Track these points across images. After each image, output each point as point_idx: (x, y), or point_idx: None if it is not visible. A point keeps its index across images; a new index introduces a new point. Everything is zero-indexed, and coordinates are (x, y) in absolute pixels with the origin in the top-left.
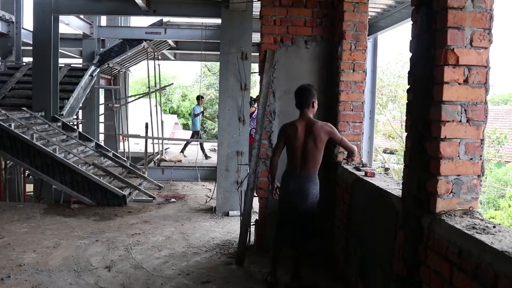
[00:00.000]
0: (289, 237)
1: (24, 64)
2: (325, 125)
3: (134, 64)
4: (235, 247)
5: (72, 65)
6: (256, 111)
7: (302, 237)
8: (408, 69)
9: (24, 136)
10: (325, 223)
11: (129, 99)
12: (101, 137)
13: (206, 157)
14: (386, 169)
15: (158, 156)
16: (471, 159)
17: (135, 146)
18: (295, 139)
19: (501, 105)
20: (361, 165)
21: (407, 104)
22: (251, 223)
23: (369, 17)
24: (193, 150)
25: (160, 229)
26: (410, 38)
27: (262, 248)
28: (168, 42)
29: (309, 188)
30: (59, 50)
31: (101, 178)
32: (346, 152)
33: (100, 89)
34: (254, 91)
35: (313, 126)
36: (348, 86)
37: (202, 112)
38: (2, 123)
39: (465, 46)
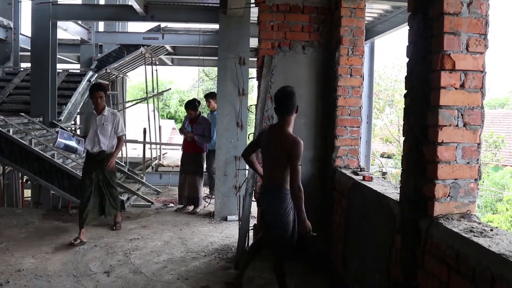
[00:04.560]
0: None
1: (22, 69)
2: (291, 142)
3: (132, 70)
4: (234, 251)
5: (70, 71)
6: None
7: None
8: (405, 73)
9: (22, 141)
10: (323, 228)
11: (127, 104)
12: None
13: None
14: (384, 173)
15: (156, 161)
16: (468, 163)
17: (133, 151)
18: (262, 147)
19: (498, 109)
20: (359, 170)
21: (404, 109)
22: (250, 228)
23: (366, 22)
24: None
25: (159, 234)
26: (407, 44)
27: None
28: (165, 48)
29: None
30: (57, 56)
31: None
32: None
33: None
34: (252, 96)
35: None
36: (346, 91)
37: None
38: (0, 128)
39: (461, 51)
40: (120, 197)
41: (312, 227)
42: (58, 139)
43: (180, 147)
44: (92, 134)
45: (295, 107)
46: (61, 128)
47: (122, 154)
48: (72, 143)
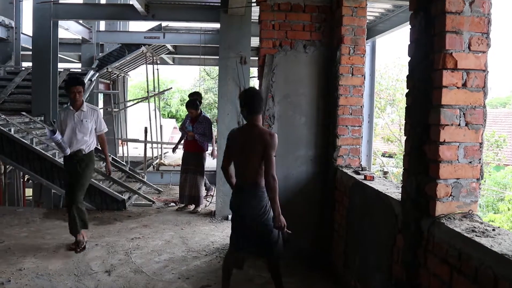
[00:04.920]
0: None
1: (23, 69)
2: (267, 135)
3: (133, 69)
4: None
5: (71, 70)
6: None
7: None
8: (407, 72)
9: (24, 140)
10: (324, 227)
11: (128, 104)
12: None
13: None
14: (385, 173)
15: (157, 161)
16: (470, 162)
17: (134, 150)
18: (236, 148)
19: (499, 108)
20: (360, 169)
21: (406, 108)
22: None
23: (367, 21)
24: None
25: (160, 233)
26: (409, 42)
27: None
28: (166, 47)
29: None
30: (58, 55)
31: (101, 182)
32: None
33: (99, 94)
34: None
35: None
36: (347, 90)
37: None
38: (1, 127)
39: (464, 50)
40: (121, 196)
41: (286, 222)
42: (56, 134)
43: (174, 145)
44: (69, 133)
45: (263, 107)
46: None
47: (123, 153)
48: (63, 143)
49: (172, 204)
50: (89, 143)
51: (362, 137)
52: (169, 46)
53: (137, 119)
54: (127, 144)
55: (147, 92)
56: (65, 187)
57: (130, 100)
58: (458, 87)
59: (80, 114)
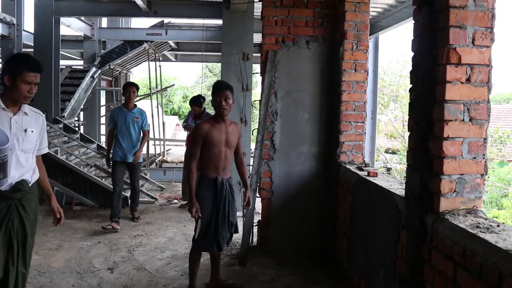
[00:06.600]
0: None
1: None
2: None
3: (135, 66)
4: (238, 248)
5: (73, 67)
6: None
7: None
8: (410, 68)
9: None
10: (328, 224)
11: None
12: (103, 138)
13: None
14: (388, 169)
15: (160, 158)
16: (474, 158)
17: None
18: None
19: (503, 104)
20: (364, 165)
21: (409, 103)
22: (254, 224)
23: (370, 17)
24: None
25: (163, 231)
26: (412, 38)
27: (265, 249)
28: (169, 43)
29: None
30: (60, 52)
31: (103, 179)
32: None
33: (101, 91)
34: (256, 92)
35: None
36: (350, 86)
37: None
38: None
39: (467, 45)
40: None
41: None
42: None
43: (184, 143)
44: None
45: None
46: None
47: None
48: None
49: (175, 201)
50: (34, 169)
51: (365, 133)
52: (171, 43)
53: None
54: None
55: (150, 89)
56: None
57: None
58: (462, 82)
59: (20, 120)
